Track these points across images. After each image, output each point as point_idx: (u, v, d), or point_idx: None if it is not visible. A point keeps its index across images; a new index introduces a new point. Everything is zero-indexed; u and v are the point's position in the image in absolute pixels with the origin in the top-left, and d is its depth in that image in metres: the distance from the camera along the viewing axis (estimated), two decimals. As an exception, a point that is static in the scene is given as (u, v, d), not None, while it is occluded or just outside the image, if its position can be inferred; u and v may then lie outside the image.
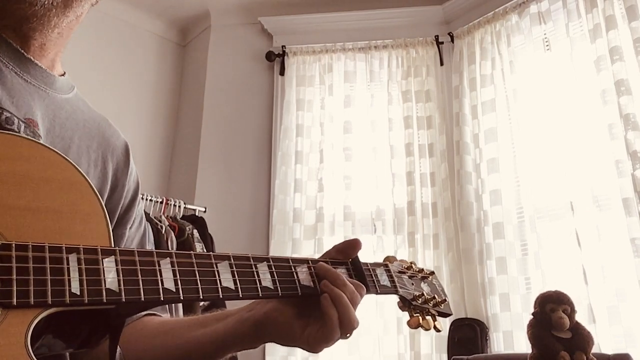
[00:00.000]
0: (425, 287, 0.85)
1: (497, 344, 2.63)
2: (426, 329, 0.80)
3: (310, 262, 0.75)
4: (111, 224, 0.79)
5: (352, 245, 0.80)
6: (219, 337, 0.76)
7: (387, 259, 0.87)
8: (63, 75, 0.83)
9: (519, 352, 2.41)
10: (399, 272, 0.85)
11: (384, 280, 0.81)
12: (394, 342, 2.76)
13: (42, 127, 0.74)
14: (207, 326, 0.78)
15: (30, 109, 0.73)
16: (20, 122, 0.70)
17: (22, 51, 0.74)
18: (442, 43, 3.32)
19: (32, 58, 0.75)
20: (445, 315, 0.86)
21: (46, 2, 0.70)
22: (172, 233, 2.81)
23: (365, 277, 0.79)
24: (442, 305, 0.84)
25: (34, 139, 0.65)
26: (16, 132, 0.68)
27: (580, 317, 2.08)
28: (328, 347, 0.75)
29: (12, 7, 0.70)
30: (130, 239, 0.88)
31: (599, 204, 2.45)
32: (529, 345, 2.05)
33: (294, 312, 0.73)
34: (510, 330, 2.59)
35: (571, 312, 2.02)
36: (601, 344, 2.24)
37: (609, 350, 2.20)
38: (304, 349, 0.74)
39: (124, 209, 0.86)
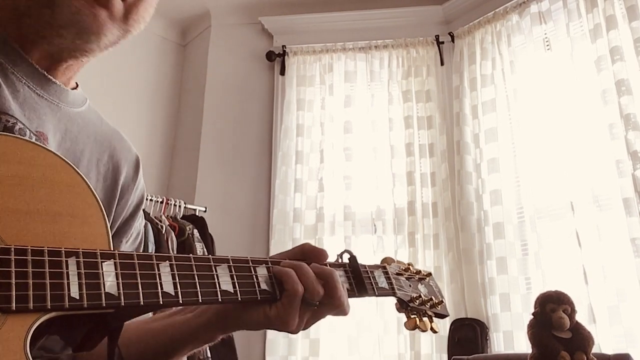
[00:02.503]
0: (422, 289, 0.86)
1: (497, 344, 2.63)
2: (423, 331, 0.80)
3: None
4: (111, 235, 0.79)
5: (318, 255, 0.77)
6: (176, 329, 0.75)
7: (385, 260, 0.87)
8: (76, 88, 0.84)
9: (519, 352, 2.41)
10: (397, 273, 0.85)
11: (382, 282, 0.82)
12: (394, 342, 2.76)
13: (53, 141, 0.74)
14: (164, 319, 0.77)
15: (41, 123, 0.73)
16: (32, 135, 0.71)
17: (37, 66, 0.74)
18: (443, 43, 3.32)
19: (45, 73, 0.75)
20: (442, 316, 0.86)
21: (105, 43, 0.74)
22: (173, 233, 2.81)
23: (364, 280, 0.79)
24: (439, 306, 0.84)
25: (35, 142, 0.65)
26: None
27: (581, 317, 2.08)
28: (303, 322, 0.71)
29: (63, 41, 0.72)
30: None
31: (599, 204, 2.45)
32: (529, 345, 2.05)
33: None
34: (511, 330, 2.59)
35: (571, 312, 2.01)
36: (601, 344, 2.24)
37: (609, 351, 2.20)
38: (276, 327, 0.71)
39: (123, 222, 0.87)
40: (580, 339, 1.96)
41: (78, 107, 0.82)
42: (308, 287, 0.69)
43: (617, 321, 2.28)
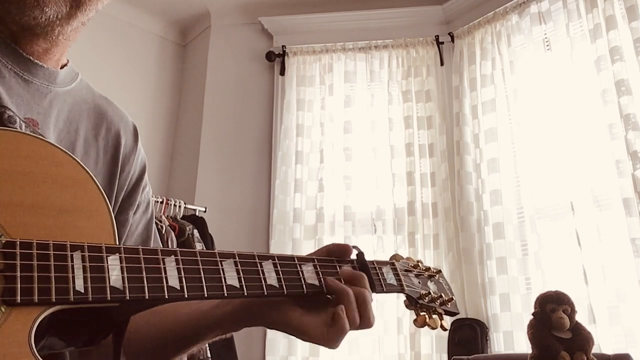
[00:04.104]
0: (431, 286, 0.85)
1: (497, 344, 2.63)
2: (433, 328, 0.80)
3: (315, 260, 0.75)
4: (114, 208, 0.79)
5: (344, 252, 0.79)
6: (202, 316, 0.75)
7: (394, 257, 0.87)
8: (66, 64, 0.83)
9: (519, 353, 2.41)
10: (405, 270, 0.85)
11: (390, 278, 0.81)
12: (394, 342, 2.76)
13: (44, 125, 0.74)
14: (191, 306, 0.78)
15: (29, 109, 0.73)
16: (21, 122, 0.70)
17: (21, 51, 0.74)
18: (443, 43, 3.32)
19: (31, 58, 0.75)
20: (452, 314, 0.85)
21: (51, 16, 0.70)
22: (173, 233, 2.81)
23: (372, 275, 0.78)
24: (449, 304, 0.84)
25: (38, 135, 0.65)
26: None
27: (581, 317, 2.08)
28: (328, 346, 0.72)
29: (14, 18, 0.71)
30: (135, 224, 0.87)
31: (599, 204, 2.45)
32: (529, 346, 2.05)
33: (290, 298, 0.72)
34: (511, 330, 2.59)
35: (571, 312, 2.02)
36: (601, 344, 2.24)
37: (609, 351, 2.20)
38: (295, 335, 0.71)
39: (128, 193, 0.86)
40: (580, 339, 1.97)
41: (68, 85, 0.81)
42: (350, 317, 0.70)
43: (617, 321, 2.28)
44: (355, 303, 0.70)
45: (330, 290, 0.71)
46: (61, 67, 0.81)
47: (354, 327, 0.70)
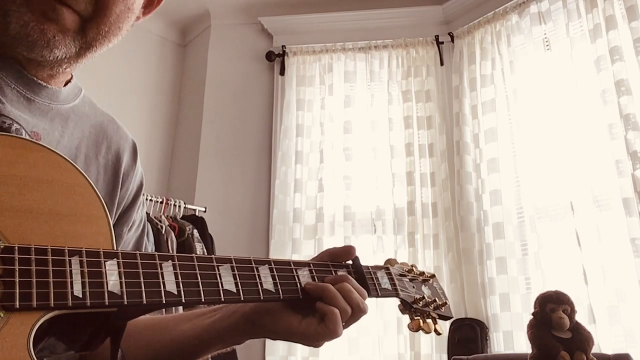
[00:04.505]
0: (426, 290, 0.86)
1: (497, 344, 2.63)
2: (427, 332, 0.80)
3: (311, 265, 0.75)
4: (112, 223, 0.79)
5: (346, 252, 0.80)
6: (203, 330, 0.76)
7: (388, 261, 0.87)
8: (70, 80, 0.83)
9: (519, 352, 2.42)
10: (400, 275, 0.85)
11: (385, 283, 0.82)
12: (394, 342, 2.76)
13: (47, 141, 0.74)
14: (192, 320, 0.78)
15: (35, 125, 0.73)
16: (27, 135, 0.71)
17: (26, 72, 0.74)
18: (442, 43, 3.32)
19: (35, 79, 0.75)
20: (446, 318, 0.86)
21: (59, 56, 0.71)
22: (172, 233, 2.81)
23: (367, 280, 0.79)
24: (443, 308, 0.84)
25: (39, 143, 0.65)
26: None
27: (581, 317, 2.08)
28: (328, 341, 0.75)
29: (21, 54, 0.71)
30: (127, 242, 0.88)
31: (599, 204, 2.45)
32: (529, 345, 2.05)
33: (288, 305, 0.73)
34: (510, 330, 2.59)
35: (571, 312, 2.02)
36: (601, 344, 2.24)
37: (609, 351, 2.21)
38: (300, 342, 0.73)
39: (124, 209, 0.87)
40: (580, 339, 1.97)
41: (71, 102, 0.81)
42: (340, 306, 0.72)
43: (616, 321, 2.28)
44: (340, 294, 0.72)
45: (311, 292, 0.72)
46: (65, 84, 0.82)
47: (347, 315, 0.72)
